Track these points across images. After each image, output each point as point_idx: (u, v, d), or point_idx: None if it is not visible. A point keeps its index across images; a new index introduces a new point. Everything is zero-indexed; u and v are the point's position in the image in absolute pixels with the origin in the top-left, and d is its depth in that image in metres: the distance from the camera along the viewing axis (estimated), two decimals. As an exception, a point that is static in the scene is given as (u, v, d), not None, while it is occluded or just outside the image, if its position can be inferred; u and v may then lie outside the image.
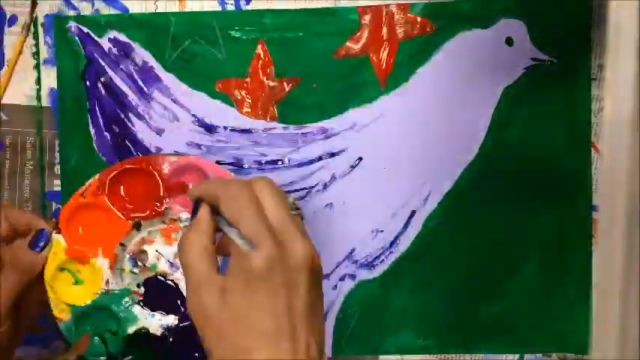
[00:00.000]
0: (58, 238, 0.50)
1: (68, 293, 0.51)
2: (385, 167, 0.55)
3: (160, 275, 0.52)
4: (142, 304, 0.52)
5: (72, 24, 0.56)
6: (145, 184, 0.51)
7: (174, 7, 0.55)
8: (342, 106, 0.55)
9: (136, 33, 0.55)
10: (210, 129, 0.55)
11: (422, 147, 0.55)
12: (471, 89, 0.55)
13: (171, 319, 0.51)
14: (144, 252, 0.52)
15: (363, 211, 0.56)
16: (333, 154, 0.55)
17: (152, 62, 0.55)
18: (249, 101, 0.55)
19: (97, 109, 0.56)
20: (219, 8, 0.55)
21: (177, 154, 0.53)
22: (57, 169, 0.56)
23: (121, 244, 0.51)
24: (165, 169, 0.51)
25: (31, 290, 0.49)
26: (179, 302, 0.51)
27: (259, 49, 0.55)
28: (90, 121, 0.56)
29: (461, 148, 0.55)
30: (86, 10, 0.56)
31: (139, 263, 0.52)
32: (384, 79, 0.55)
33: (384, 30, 0.55)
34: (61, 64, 0.56)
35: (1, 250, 0.49)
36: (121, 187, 0.51)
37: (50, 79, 0.56)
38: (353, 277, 0.56)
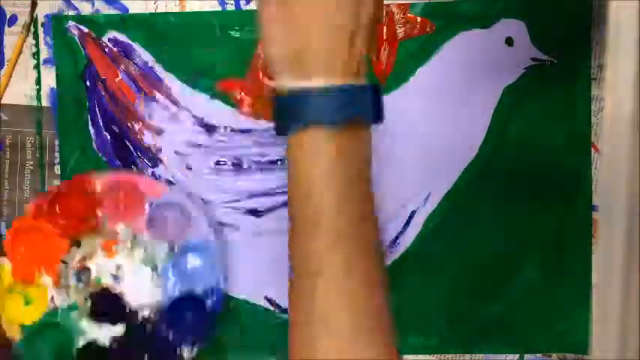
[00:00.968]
0: (3, 262, 0.53)
1: (18, 314, 0.53)
2: (385, 167, 0.55)
3: (105, 288, 0.53)
4: (89, 317, 0.53)
5: (71, 24, 0.56)
6: (81, 202, 0.53)
7: (174, 7, 0.55)
8: (342, 106, 0.55)
9: (136, 33, 0.55)
10: (210, 129, 0.55)
11: (422, 147, 0.55)
12: (471, 89, 0.55)
13: (119, 329, 0.53)
14: (86, 267, 0.53)
15: (362, 211, 0.56)
16: (333, 154, 0.55)
17: (152, 62, 0.55)
18: (249, 101, 0.55)
19: (96, 109, 0.56)
20: (219, 8, 0.55)
21: (108, 172, 0.55)
22: (57, 168, 0.56)
23: (63, 262, 0.53)
24: (98, 186, 0.53)
25: None
26: (125, 312, 0.53)
27: (259, 49, 0.55)
28: (89, 121, 0.56)
29: (461, 148, 0.55)
30: (86, 10, 0.56)
31: (83, 278, 0.53)
32: (384, 79, 0.55)
33: (385, 30, 0.55)
34: (61, 64, 0.56)
35: None
36: (58, 208, 0.53)
37: (50, 79, 0.56)
38: (353, 277, 0.56)
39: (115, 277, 0.53)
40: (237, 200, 0.55)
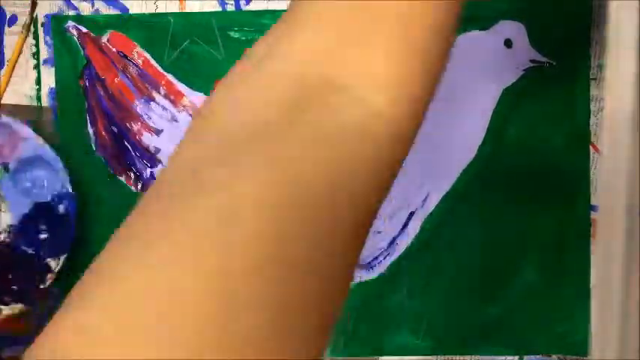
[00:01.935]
0: None
1: None
2: (384, 168, 0.55)
3: None
4: None
5: (70, 24, 0.56)
6: None
7: (174, 7, 0.55)
8: (342, 107, 0.55)
9: (136, 33, 0.55)
10: (209, 129, 0.55)
11: (420, 148, 0.55)
12: (470, 91, 0.55)
13: None
14: None
15: (361, 212, 0.56)
16: (332, 155, 0.55)
17: (151, 62, 0.55)
18: (249, 102, 0.55)
19: (95, 109, 0.56)
20: (219, 8, 0.55)
21: None
22: (56, 168, 0.56)
23: None
24: None
25: None
26: None
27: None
28: (88, 121, 0.56)
29: (459, 150, 0.55)
30: (86, 10, 0.56)
31: None
32: (383, 80, 0.55)
33: (384, 31, 0.55)
34: (60, 63, 0.56)
35: None
36: None
37: (50, 79, 0.56)
38: (352, 278, 0.56)
39: None
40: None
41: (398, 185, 0.55)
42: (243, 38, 0.55)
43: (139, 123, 0.56)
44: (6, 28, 0.56)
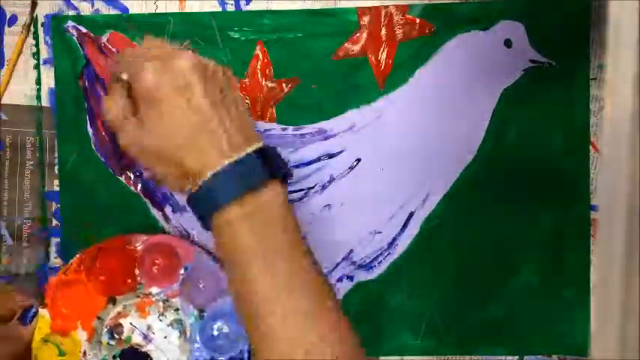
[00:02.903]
0: (43, 313, 0.54)
1: None
2: (383, 168, 0.55)
3: (133, 346, 0.55)
4: None
5: (69, 24, 0.55)
6: (120, 261, 0.54)
7: (174, 7, 0.55)
8: (341, 107, 0.55)
9: (136, 33, 0.55)
10: (209, 130, 0.55)
11: (420, 148, 0.55)
12: (470, 91, 0.55)
13: None
14: (120, 325, 0.55)
15: (361, 212, 0.56)
16: (331, 156, 0.55)
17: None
18: (248, 102, 0.55)
19: (94, 109, 0.56)
20: (219, 8, 0.55)
21: (148, 234, 0.55)
22: (57, 169, 0.56)
23: (99, 318, 0.54)
24: (139, 246, 0.54)
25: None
26: None
27: (258, 50, 0.55)
28: (88, 121, 0.56)
29: (459, 150, 0.55)
30: (86, 10, 0.56)
31: (115, 336, 0.55)
32: (382, 80, 0.55)
33: (383, 31, 0.55)
34: (59, 63, 0.56)
35: None
36: (98, 264, 0.54)
37: (50, 79, 0.56)
38: (351, 278, 0.56)
39: (145, 337, 0.55)
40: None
41: (398, 186, 0.56)
42: (243, 38, 0.55)
43: (139, 123, 0.56)
44: (6, 28, 0.56)
